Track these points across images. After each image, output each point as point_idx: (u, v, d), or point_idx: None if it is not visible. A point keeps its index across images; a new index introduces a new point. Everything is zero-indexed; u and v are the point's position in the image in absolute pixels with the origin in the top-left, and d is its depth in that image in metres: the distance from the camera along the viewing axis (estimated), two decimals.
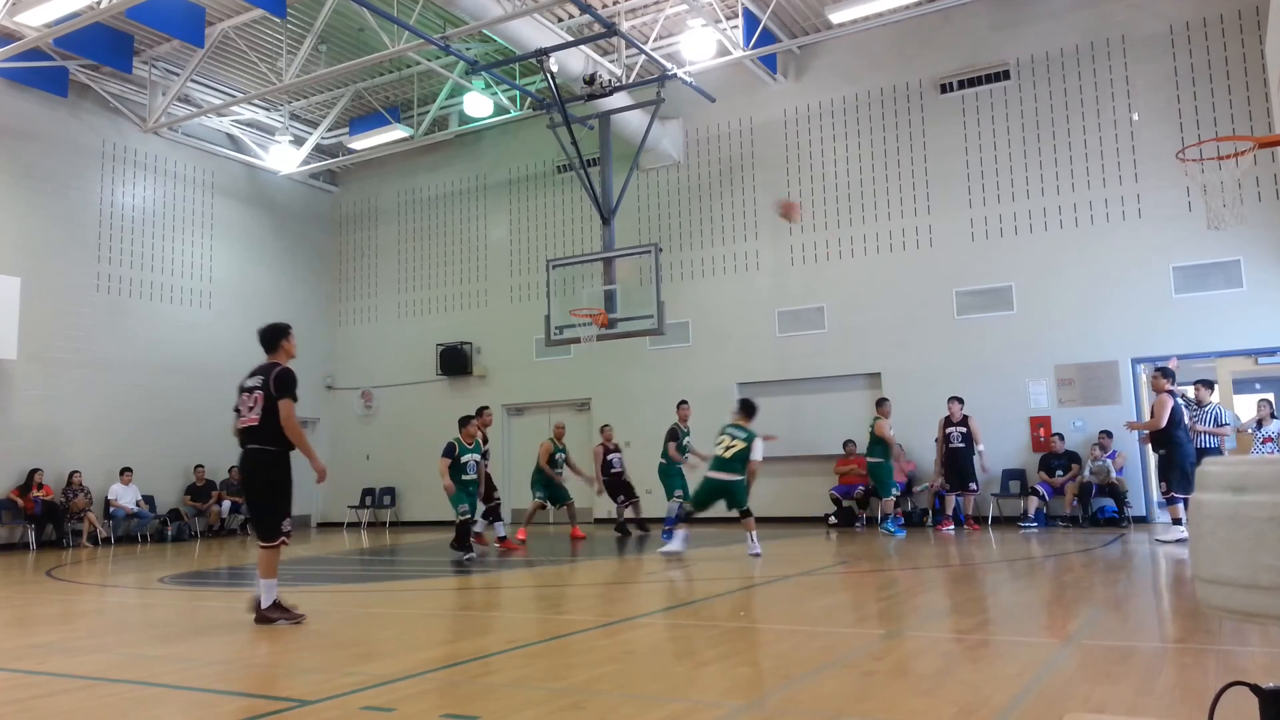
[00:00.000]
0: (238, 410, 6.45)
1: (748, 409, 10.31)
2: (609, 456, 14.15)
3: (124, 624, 7.19)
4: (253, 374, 6.43)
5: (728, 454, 9.93)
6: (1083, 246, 14.00)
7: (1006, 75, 14.74)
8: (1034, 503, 13.25)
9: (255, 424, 6.28)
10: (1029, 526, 12.95)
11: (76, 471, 15.34)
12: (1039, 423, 14.08)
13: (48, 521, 14.98)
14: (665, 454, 13.09)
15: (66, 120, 16.23)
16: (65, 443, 15.59)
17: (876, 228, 15.50)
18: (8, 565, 12.12)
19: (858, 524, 14.28)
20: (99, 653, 5.55)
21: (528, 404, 18.56)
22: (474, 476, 10.73)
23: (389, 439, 19.30)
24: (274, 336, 6.53)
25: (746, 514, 10.02)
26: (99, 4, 12.27)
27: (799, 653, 4.85)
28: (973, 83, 14.97)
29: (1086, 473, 13.20)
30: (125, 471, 16.01)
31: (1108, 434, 13.24)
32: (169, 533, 16.41)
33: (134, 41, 15.18)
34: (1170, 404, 10.34)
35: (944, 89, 15.16)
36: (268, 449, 6.28)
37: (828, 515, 14.72)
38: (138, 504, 16.07)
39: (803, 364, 15.84)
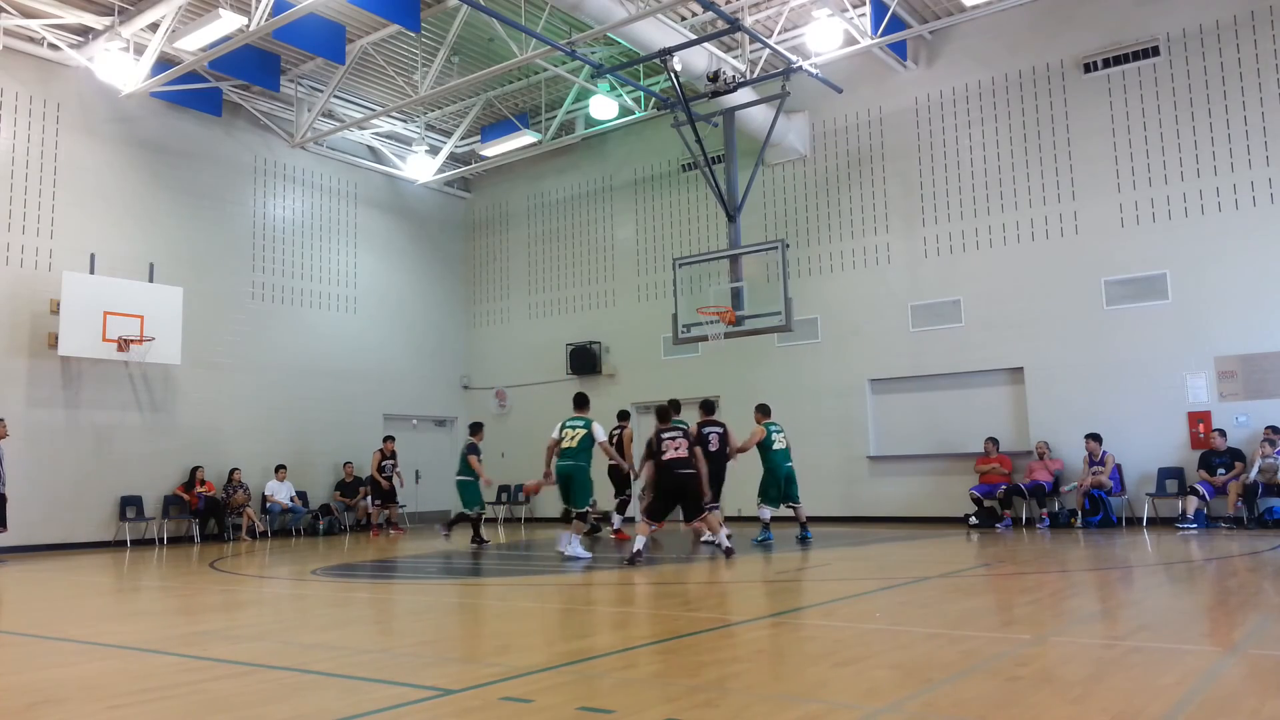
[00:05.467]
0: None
1: (581, 402, 11.51)
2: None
3: (280, 613, 7.59)
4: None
5: (573, 443, 10.83)
6: (1246, 230, 13.11)
7: (1155, 52, 13.92)
8: (1193, 503, 12.47)
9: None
10: (1188, 528, 12.20)
11: (236, 469, 16.32)
12: (1198, 418, 13.26)
13: (210, 516, 15.97)
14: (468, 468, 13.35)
15: (221, 138, 17.27)
16: (225, 442, 16.60)
17: (1016, 216, 14.91)
18: (175, 557, 12.99)
19: (1000, 525, 13.77)
20: (258, 640, 5.88)
21: (657, 402, 18.62)
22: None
23: (523, 437, 19.70)
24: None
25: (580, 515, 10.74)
26: (249, 27, 13.00)
27: (939, 656, 4.70)
28: (1119, 61, 14.21)
29: (1253, 472, 12.34)
30: (280, 469, 16.92)
31: (1276, 429, 12.36)
32: (320, 527, 17.25)
33: (280, 61, 16.04)
34: None
35: (1088, 69, 14.44)
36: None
37: (968, 515, 14.25)
38: (292, 499, 16.98)
39: (939, 360, 15.38)
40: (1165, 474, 13.33)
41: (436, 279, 21.02)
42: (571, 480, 10.78)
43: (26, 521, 13.70)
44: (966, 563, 9.49)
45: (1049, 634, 5.36)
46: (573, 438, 10.85)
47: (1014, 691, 3.89)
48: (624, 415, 14.40)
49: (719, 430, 11.77)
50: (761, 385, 16.92)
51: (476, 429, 14.11)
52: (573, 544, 10.61)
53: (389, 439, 17.27)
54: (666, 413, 10.83)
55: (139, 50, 14.54)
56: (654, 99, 16.48)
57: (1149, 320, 13.70)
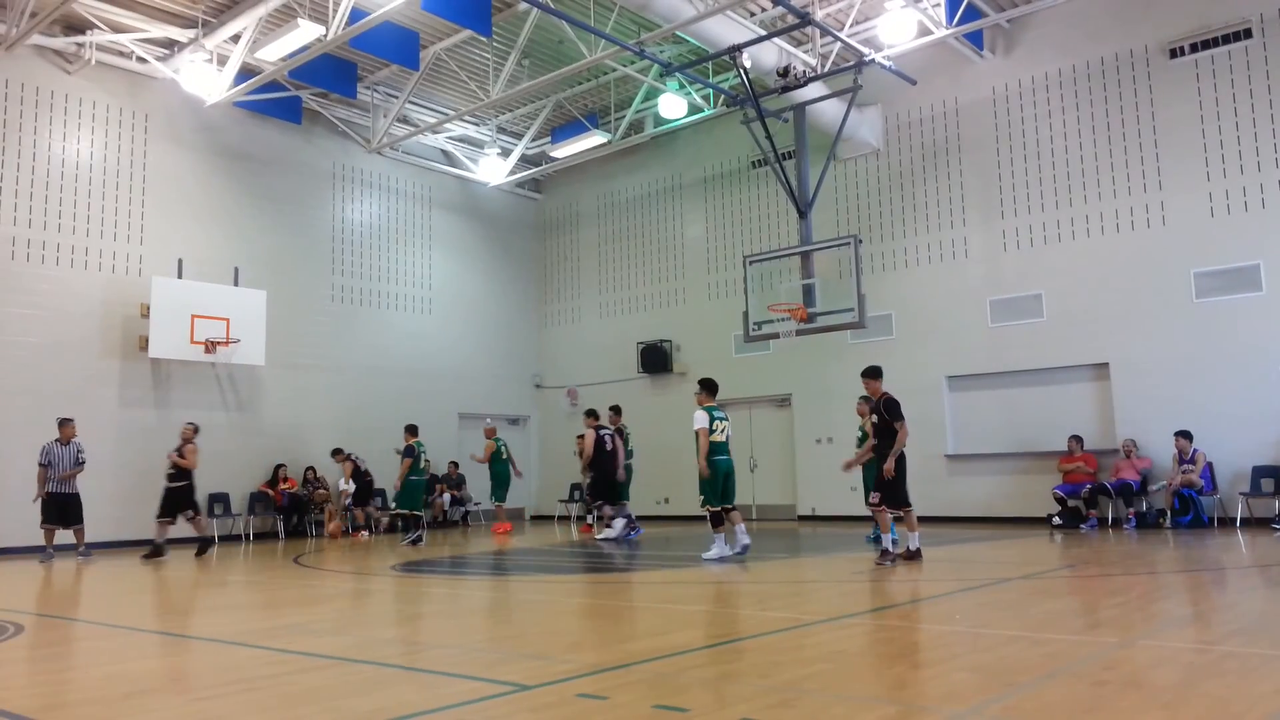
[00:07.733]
0: None
1: (711, 388, 10.42)
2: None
3: (361, 608, 7.75)
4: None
5: (722, 437, 10.11)
6: None
7: (1248, 34, 13.37)
8: None
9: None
10: None
11: (310, 467, 16.71)
12: None
13: (294, 512, 16.40)
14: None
15: (301, 145, 17.73)
16: (307, 440, 17.04)
17: (1100, 207, 14.47)
18: (260, 552, 13.37)
19: (1085, 525, 13.39)
20: (340, 634, 6.02)
21: (728, 400, 18.52)
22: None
23: None
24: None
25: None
26: (326, 36, 13.31)
27: (1022, 659, 4.58)
28: (1207, 45, 13.68)
29: None
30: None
31: None
32: (399, 524, 17.54)
33: (357, 69, 16.41)
34: None
35: (1174, 54, 13.93)
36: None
37: (1051, 515, 13.88)
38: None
39: (1019, 355, 15.01)
40: (1260, 472, 12.80)
41: (509, 279, 21.26)
42: (730, 476, 10.15)
43: (117, 517, 14.22)
44: (1050, 564, 9.24)
45: (1137, 638, 5.18)
46: (722, 430, 10.05)
47: (1100, 696, 3.77)
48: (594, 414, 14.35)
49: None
50: (834, 383, 16.74)
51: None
52: (717, 543, 10.02)
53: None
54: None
55: (222, 61, 15.00)
56: (723, 96, 16.41)
57: (1241, 312, 13.17)
